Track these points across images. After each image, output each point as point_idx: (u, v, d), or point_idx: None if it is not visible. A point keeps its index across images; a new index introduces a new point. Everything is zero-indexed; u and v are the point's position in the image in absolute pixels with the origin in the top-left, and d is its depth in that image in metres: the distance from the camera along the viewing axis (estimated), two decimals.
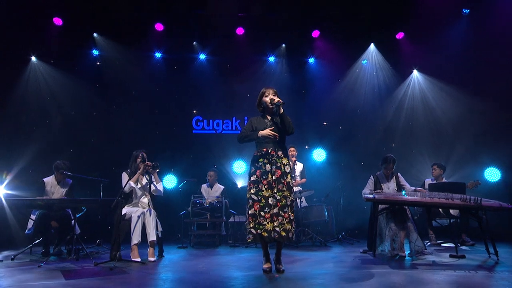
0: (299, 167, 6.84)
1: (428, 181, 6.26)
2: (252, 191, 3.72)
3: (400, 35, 8.25)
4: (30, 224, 5.21)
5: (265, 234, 3.55)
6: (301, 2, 7.75)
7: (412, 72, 8.42)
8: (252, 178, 3.77)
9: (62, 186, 5.55)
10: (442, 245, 5.80)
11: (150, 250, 4.69)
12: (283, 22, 8.07)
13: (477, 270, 3.64)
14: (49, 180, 5.50)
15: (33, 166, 6.98)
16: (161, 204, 5.34)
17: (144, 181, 5.04)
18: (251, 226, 3.62)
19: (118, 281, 3.48)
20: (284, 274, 3.61)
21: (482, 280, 3.24)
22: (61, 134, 7.60)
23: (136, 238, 4.63)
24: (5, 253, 5.46)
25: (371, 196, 4.71)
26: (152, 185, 5.01)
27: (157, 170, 5.06)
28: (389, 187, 5.26)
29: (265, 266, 3.73)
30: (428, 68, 8.13)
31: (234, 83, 8.26)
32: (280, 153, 3.80)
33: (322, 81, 8.51)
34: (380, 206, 4.83)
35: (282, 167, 3.76)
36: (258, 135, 3.79)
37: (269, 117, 3.95)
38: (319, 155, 8.27)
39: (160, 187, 5.11)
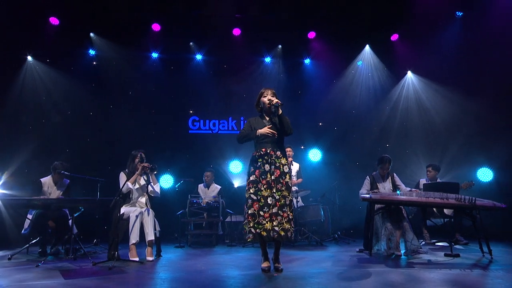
0: (295, 167, 6.89)
1: (422, 181, 6.34)
2: (251, 191, 3.74)
3: (394, 37, 8.35)
4: (26, 224, 5.19)
5: (264, 234, 3.58)
6: (297, 4, 7.79)
7: (406, 73, 8.52)
8: (251, 178, 3.80)
9: (59, 187, 5.53)
10: (436, 244, 5.88)
11: (148, 249, 4.71)
12: (279, 23, 8.11)
13: (472, 269, 3.71)
14: (46, 180, 5.49)
15: (29, 166, 6.96)
16: (158, 204, 5.35)
17: (142, 181, 5.05)
18: (251, 225, 3.64)
19: (117, 280, 3.49)
20: (283, 273, 3.63)
21: (478, 279, 3.31)
22: (57, 133, 7.58)
23: (134, 238, 4.64)
24: (1, 253, 5.43)
25: (368, 196, 4.77)
26: (149, 186, 5.02)
27: (155, 172, 5.07)
28: (385, 187, 5.33)
29: (264, 265, 3.76)
30: (422, 70, 8.24)
31: (230, 83, 8.29)
32: (279, 153, 3.84)
33: (317, 82, 8.58)
34: (376, 206, 4.89)
35: (281, 167, 3.80)
36: (257, 134, 3.82)
37: (267, 118, 3.98)
38: (314, 155, 8.34)
39: (157, 188, 5.12)
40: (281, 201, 3.67)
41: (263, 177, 3.75)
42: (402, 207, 4.99)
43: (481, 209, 4.38)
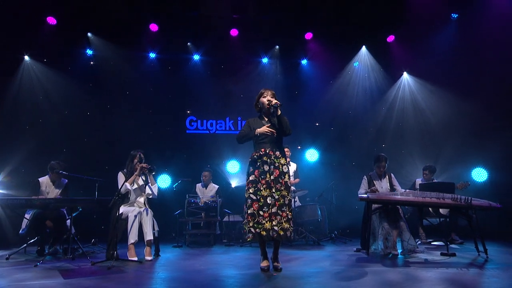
0: (292, 167, 6.92)
1: (418, 180, 6.41)
2: (250, 190, 3.77)
3: (390, 38, 8.41)
4: (24, 224, 5.17)
5: (264, 233, 3.61)
6: (295, 5, 7.83)
7: (402, 74, 8.59)
8: (250, 178, 3.83)
9: (57, 186, 5.53)
10: (432, 243, 5.95)
11: (147, 249, 4.73)
12: (276, 24, 8.15)
13: (468, 268, 3.76)
14: (44, 180, 5.48)
15: (26, 166, 6.93)
16: (156, 203, 5.36)
17: (141, 181, 5.06)
18: (250, 225, 3.67)
19: (117, 280, 3.50)
20: (282, 272, 3.67)
21: (474, 277, 3.36)
22: (55, 133, 7.55)
23: (133, 238, 4.66)
24: None
25: (365, 196, 4.82)
26: (147, 187, 5.03)
27: (153, 173, 5.08)
28: (382, 186, 5.38)
29: (263, 264, 3.79)
30: (418, 71, 8.30)
31: (227, 83, 8.31)
32: (278, 153, 3.88)
33: (314, 83, 8.62)
34: (374, 206, 4.94)
35: (280, 167, 3.83)
36: (256, 133, 3.85)
37: (266, 118, 4.01)
38: (311, 155, 8.38)
39: (155, 189, 5.13)
40: (280, 201, 3.71)
41: (262, 177, 3.78)
42: (399, 207, 5.04)
43: (477, 209, 4.44)
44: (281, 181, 3.78)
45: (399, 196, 4.76)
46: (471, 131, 7.39)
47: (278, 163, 3.83)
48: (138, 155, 4.99)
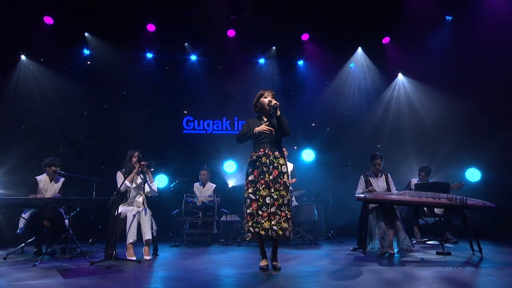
0: (289, 167, 6.92)
1: (414, 181, 6.48)
2: (250, 190, 3.80)
3: (386, 40, 8.51)
4: (21, 223, 5.16)
5: (263, 233, 3.64)
6: (291, 6, 7.88)
7: (397, 75, 8.68)
8: (249, 178, 3.86)
9: (55, 183, 5.53)
10: (427, 242, 6.02)
11: (145, 248, 4.74)
12: (273, 25, 8.20)
13: (464, 267, 3.82)
14: (42, 178, 5.48)
15: (22, 166, 6.90)
16: (153, 203, 5.38)
17: (139, 180, 5.08)
18: (250, 224, 3.70)
19: (116, 279, 3.51)
20: (281, 271, 3.70)
21: (471, 276, 3.42)
22: (51, 133, 7.54)
23: (131, 237, 4.67)
24: None
25: (362, 195, 4.88)
26: (146, 185, 5.05)
27: (152, 169, 5.10)
28: (379, 185, 5.44)
29: (262, 263, 3.82)
30: (413, 72, 8.41)
31: (224, 84, 8.35)
32: (277, 153, 3.91)
33: (311, 83, 8.69)
34: (371, 205, 4.99)
35: (279, 167, 3.87)
36: (254, 132, 3.88)
37: (265, 119, 4.04)
38: (308, 155, 8.44)
39: (154, 187, 5.16)
40: (279, 201, 3.74)
41: (261, 177, 3.81)
42: (395, 206, 5.10)
43: (472, 209, 4.51)
44: (280, 181, 3.82)
45: (396, 196, 4.82)
46: (465, 131, 7.49)
47: (277, 163, 3.87)
48: (136, 154, 5.02)
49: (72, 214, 5.01)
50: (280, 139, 4.02)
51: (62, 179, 5.63)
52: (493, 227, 6.14)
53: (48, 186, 5.47)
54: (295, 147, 8.42)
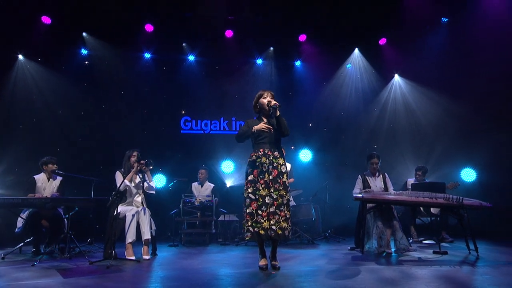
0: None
1: (410, 181, 6.54)
2: (249, 190, 3.82)
3: (382, 41, 8.57)
4: (19, 222, 5.15)
5: (262, 232, 3.66)
6: (289, 7, 7.92)
7: (393, 76, 8.75)
8: (249, 178, 3.88)
9: (52, 182, 5.53)
10: (423, 242, 6.08)
11: (144, 248, 4.75)
12: (271, 26, 8.23)
13: (461, 266, 3.87)
14: (40, 177, 5.48)
15: (19, 165, 6.88)
16: (151, 202, 5.38)
17: (138, 179, 5.09)
18: (249, 224, 3.72)
19: (116, 279, 3.52)
20: (280, 270, 3.72)
21: (468, 275, 3.47)
22: (49, 133, 7.52)
23: (130, 237, 4.68)
24: None
25: (360, 195, 4.92)
26: (145, 182, 5.06)
27: (151, 167, 5.11)
28: (376, 185, 5.49)
29: (262, 263, 3.84)
30: (409, 73, 8.48)
31: (222, 84, 8.37)
32: (276, 153, 3.95)
33: (308, 84, 8.73)
34: (368, 205, 5.04)
35: (279, 167, 3.90)
36: (253, 130, 3.91)
37: (265, 119, 4.07)
38: (305, 155, 8.48)
39: (153, 184, 5.17)
40: (278, 201, 3.77)
41: (261, 176, 3.84)
42: (392, 206, 5.15)
43: (468, 208, 4.57)
44: (279, 181, 3.85)
45: (393, 196, 4.87)
46: (460, 132, 7.57)
47: (276, 163, 3.90)
48: (135, 154, 5.04)
49: (70, 213, 5.01)
50: (279, 139, 4.05)
51: (60, 178, 5.62)
52: (487, 226, 6.20)
53: (46, 184, 5.47)
54: (292, 147, 8.45)
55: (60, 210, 5.36)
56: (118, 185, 4.85)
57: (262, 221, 3.69)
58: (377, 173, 5.60)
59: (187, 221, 6.55)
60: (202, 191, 7.00)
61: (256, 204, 3.75)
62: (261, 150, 3.91)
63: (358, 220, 5.29)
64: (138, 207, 4.97)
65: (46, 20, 7.44)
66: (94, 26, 7.70)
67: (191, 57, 8.50)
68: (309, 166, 8.41)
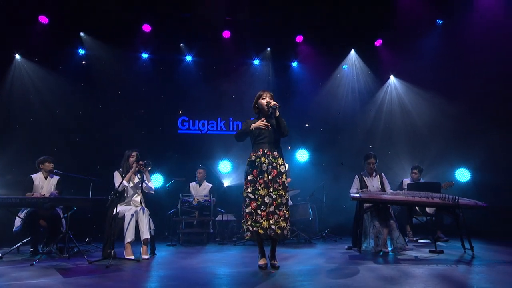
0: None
1: (406, 181, 6.61)
2: (249, 190, 3.85)
3: (378, 42, 8.66)
4: (17, 222, 5.14)
5: (262, 232, 3.69)
6: (286, 9, 7.96)
7: (389, 77, 8.82)
8: (248, 178, 3.90)
9: (50, 181, 5.53)
10: (419, 241, 6.15)
11: (143, 248, 4.76)
12: (268, 27, 8.28)
13: (457, 264, 3.92)
14: (37, 176, 5.48)
15: (16, 165, 6.85)
16: (149, 202, 5.39)
17: (136, 179, 5.11)
18: (248, 223, 3.75)
19: (116, 278, 3.53)
20: (279, 270, 3.75)
21: (464, 273, 3.52)
22: (46, 132, 7.49)
23: (129, 237, 4.69)
24: None
25: (357, 195, 4.97)
26: (144, 183, 5.08)
27: (149, 168, 5.13)
28: (373, 185, 5.54)
29: (261, 262, 3.87)
30: (405, 74, 8.56)
31: (219, 84, 8.38)
32: (275, 153, 3.98)
33: (305, 84, 8.79)
34: (365, 205, 5.09)
35: (278, 167, 3.93)
36: (251, 128, 3.94)
37: (264, 119, 4.10)
38: (302, 155, 8.53)
39: (151, 185, 5.19)
40: (277, 200, 3.80)
41: (260, 176, 3.87)
42: (389, 206, 5.21)
43: (464, 208, 4.63)
44: (278, 180, 3.88)
45: (390, 196, 4.93)
46: (455, 133, 7.65)
47: (275, 163, 3.93)
48: (134, 154, 5.05)
49: (69, 213, 5.01)
50: (278, 139, 4.08)
51: (57, 177, 5.62)
52: (482, 226, 6.28)
53: (43, 183, 5.47)
54: (289, 147, 8.50)
55: (59, 210, 5.35)
56: (116, 185, 4.86)
57: (262, 220, 3.73)
58: (374, 173, 5.65)
59: (185, 220, 6.56)
60: (200, 190, 7.02)
61: (255, 204, 3.78)
62: (261, 150, 3.95)
63: (356, 219, 5.34)
64: (137, 206, 4.98)
65: (43, 19, 7.42)
66: (92, 26, 7.69)
67: (189, 58, 8.51)
68: (306, 166, 8.46)
